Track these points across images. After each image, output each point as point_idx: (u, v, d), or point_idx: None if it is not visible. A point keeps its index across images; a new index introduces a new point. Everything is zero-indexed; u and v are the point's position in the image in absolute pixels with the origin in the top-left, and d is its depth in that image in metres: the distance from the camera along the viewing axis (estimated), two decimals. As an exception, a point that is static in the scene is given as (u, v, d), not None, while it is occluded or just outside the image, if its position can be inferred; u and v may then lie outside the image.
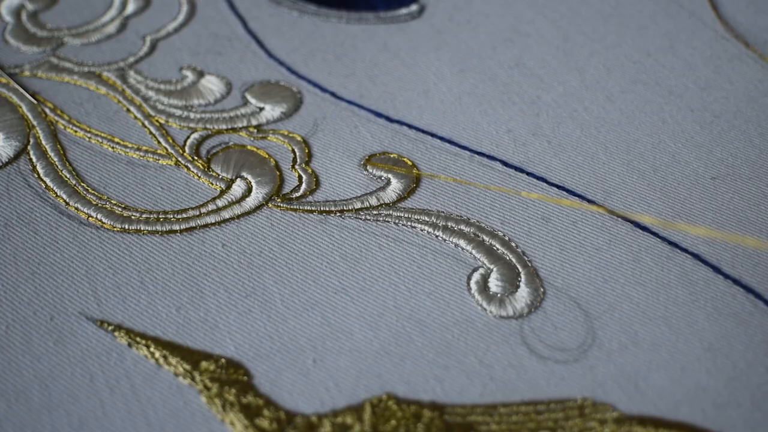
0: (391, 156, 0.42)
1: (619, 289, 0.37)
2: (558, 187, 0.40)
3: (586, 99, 0.45)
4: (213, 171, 0.41)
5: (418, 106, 0.44)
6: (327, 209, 0.40)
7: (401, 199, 0.40)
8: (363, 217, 0.40)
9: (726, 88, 0.45)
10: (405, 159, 0.42)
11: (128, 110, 0.44)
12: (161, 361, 0.35)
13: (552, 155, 0.42)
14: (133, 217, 0.39)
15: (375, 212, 0.40)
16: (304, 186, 0.41)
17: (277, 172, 0.41)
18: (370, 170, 0.41)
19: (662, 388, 0.34)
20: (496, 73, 0.46)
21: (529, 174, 0.41)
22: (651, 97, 0.45)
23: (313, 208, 0.40)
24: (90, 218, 0.39)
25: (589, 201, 0.40)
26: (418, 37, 0.48)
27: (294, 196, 0.40)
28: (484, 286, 0.37)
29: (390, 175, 0.41)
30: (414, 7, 0.50)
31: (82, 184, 0.41)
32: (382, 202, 0.40)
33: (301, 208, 0.40)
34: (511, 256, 0.38)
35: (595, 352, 0.35)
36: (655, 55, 0.47)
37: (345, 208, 0.40)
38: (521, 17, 0.49)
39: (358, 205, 0.40)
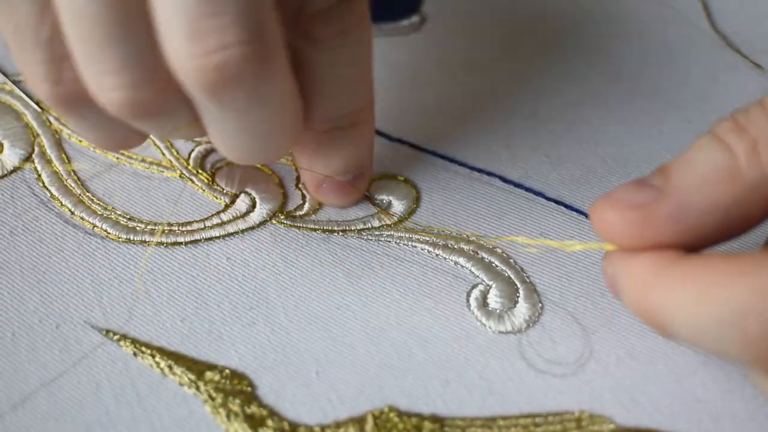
0: (392, 178, 0.42)
1: (616, 303, 0.37)
2: (556, 201, 0.41)
3: (585, 111, 0.45)
4: (217, 185, 0.42)
5: (418, 123, 0.44)
6: (330, 228, 0.40)
7: (402, 220, 0.40)
8: (365, 237, 0.40)
9: (723, 99, 0.46)
10: (406, 178, 0.42)
11: (132, 119, 0.44)
12: (166, 370, 0.35)
13: (550, 169, 0.42)
14: (138, 228, 0.40)
15: (377, 233, 0.40)
16: (307, 205, 0.41)
17: (281, 190, 0.42)
18: (372, 193, 0.42)
19: (659, 400, 0.35)
20: (496, 87, 0.46)
21: (527, 189, 0.41)
22: (649, 108, 0.45)
23: (316, 227, 0.40)
24: (95, 228, 0.40)
25: (587, 216, 0.40)
26: (419, 50, 0.48)
27: (298, 214, 0.41)
28: (483, 302, 0.37)
29: (391, 198, 0.41)
30: (415, 19, 0.50)
31: (87, 193, 0.41)
32: (384, 223, 0.40)
33: (304, 225, 0.40)
34: (509, 272, 0.38)
35: (593, 365, 0.35)
36: (653, 66, 0.47)
37: (347, 228, 0.40)
38: (521, 29, 0.49)
39: (361, 226, 0.40)
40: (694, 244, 0.31)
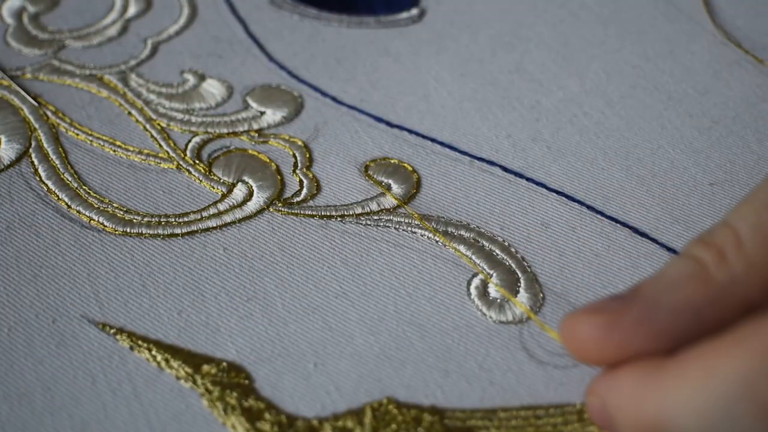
0: (392, 161, 0.42)
1: (618, 296, 0.37)
2: (557, 192, 0.41)
3: (586, 104, 0.45)
4: (214, 175, 0.41)
5: (419, 111, 0.45)
6: (328, 214, 0.40)
7: (401, 205, 0.40)
8: (364, 222, 0.40)
9: (725, 94, 0.46)
10: (405, 164, 0.42)
11: (129, 113, 0.44)
12: (163, 364, 0.35)
13: (551, 161, 0.42)
14: (134, 221, 0.40)
15: (376, 217, 0.40)
16: (305, 191, 0.41)
17: (278, 177, 0.41)
18: (371, 175, 0.41)
19: (660, 393, 0.34)
20: (497, 78, 0.46)
21: (528, 179, 0.41)
22: (650, 102, 0.45)
23: (314, 213, 0.40)
24: (92, 221, 0.40)
25: (588, 207, 0.40)
26: (419, 41, 0.48)
27: (295, 200, 0.41)
28: (483, 291, 0.37)
29: (390, 181, 0.41)
30: (414, 11, 0.50)
31: (84, 187, 0.41)
32: (382, 207, 0.40)
33: (302, 212, 0.40)
34: (510, 261, 0.38)
35: (594, 357, 0.35)
36: (654, 60, 0.47)
37: (346, 213, 0.40)
38: (521, 21, 0.49)
39: (359, 211, 0.40)
40: (666, 348, 0.30)
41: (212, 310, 0.37)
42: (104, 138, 0.43)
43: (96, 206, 0.40)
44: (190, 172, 0.42)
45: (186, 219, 0.40)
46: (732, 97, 0.45)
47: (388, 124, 0.44)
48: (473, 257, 0.38)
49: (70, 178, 0.41)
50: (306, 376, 0.35)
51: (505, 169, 0.42)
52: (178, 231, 0.39)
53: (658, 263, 0.38)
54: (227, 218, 0.40)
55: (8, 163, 0.42)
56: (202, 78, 0.46)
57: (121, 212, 0.40)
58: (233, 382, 0.34)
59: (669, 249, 0.39)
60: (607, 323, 0.30)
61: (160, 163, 0.42)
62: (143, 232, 0.39)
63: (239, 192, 0.41)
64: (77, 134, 0.43)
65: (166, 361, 0.35)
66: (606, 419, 0.31)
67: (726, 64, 0.47)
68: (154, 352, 0.35)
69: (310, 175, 0.42)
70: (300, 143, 0.43)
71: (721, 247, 0.30)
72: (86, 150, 0.43)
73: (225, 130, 0.44)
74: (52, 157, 0.42)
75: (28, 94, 0.45)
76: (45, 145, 0.42)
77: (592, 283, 0.37)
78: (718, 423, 0.28)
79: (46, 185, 0.41)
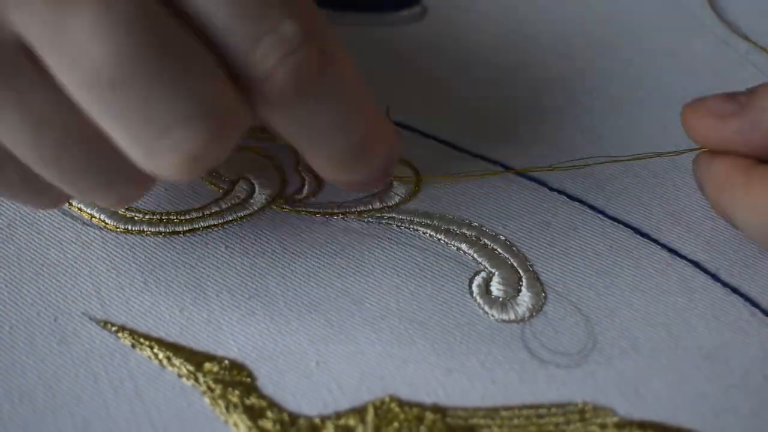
0: None
1: (620, 295, 0.37)
2: (558, 191, 0.41)
3: (588, 104, 0.45)
4: (216, 172, 0.41)
5: (420, 109, 0.44)
6: (330, 211, 0.40)
7: (403, 201, 0.40)
8: (366, 220, 0.40)
9: (726, 93, 0.46)
10: (407, 161, 0.42)
11: (131, 111, 0.44)
12: (165, 362, 0.35)
13: (553, 159, 0.42)
14: (136, 218, 0.40)
15: (378, 215, 0.40)
16: (306, 188, 0.41)
17: (280, 174, 0.41)
18: None
19: (662, 393, 0.34)
20: (498, 77, 0.46)
21: (529, 178, 0.41)
22: (653, 103, 0.45)
23: (316, 210, 0.40)
24: (93, 219, 0.39)
25: (590, 206, 0.40)
26: (420, 39, 0.48)
27: (297, 197, 0.41)
28: (486, 289, 0.37)
29: (391, 178, 0.41)
30: (416, 9, 0.50)
31: (86, 184, 0.41)
32: (384, 204, 0.40)
33: (304, 209, 0.40)
34: (512, 259, 0.38)
35: (596, 356, 0.35)
36: (655, 59, 0.47)
37: (348, 210, 0.40)
38: (523, 20, 0.49)
39: (361, 208, 0.40)
40: (761, 158, 0.36)
41: (214, 308, 0.37)
42: (106, 136, 0.43)
43: (97, 203, 0.40)
44: (192, 170, 0.41)
45: (188, 216, 0.40)
46: (735, 98, 0.45)
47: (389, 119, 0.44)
48: (475, 255, 0.38)
49: (71, 176, 0.41)
50: (308, 374, 0.35)
51: (506, 167, 0.42)
52: (179, 228, 0.39)
53: (660, 264, 0.38)
54: (229, 216, 0.40)
55: (10, 160, 0.42)
56: (204, 76, 0.46)
57: (123, 209, 0.40)
58: (235, 380, 0.34)
59: (670, 250, 0.39)
60: (713, 127, 0.36)
61: (162, 161, 0.42)
62: (145, 229, 0.39)
63: (241, 189, 0.41)
64: (79, 132, 0.43)
65: (168, 359, 0.35)
66: (700, 187, 0.38)
67: (728, 64, 0.47)
68: (155, 350, 0.35)
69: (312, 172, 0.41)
70: (302, 141, 0.43)
71: None
72: (88, 147, 0.42)
73: (227, 128, 0.43)
74: (54, 154, 0.42)
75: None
76: (47, 143, 0.42)
77: (595, 283, 0.37)
78: (760, 238, 0.36)
79: (48, 183, 0.41)
